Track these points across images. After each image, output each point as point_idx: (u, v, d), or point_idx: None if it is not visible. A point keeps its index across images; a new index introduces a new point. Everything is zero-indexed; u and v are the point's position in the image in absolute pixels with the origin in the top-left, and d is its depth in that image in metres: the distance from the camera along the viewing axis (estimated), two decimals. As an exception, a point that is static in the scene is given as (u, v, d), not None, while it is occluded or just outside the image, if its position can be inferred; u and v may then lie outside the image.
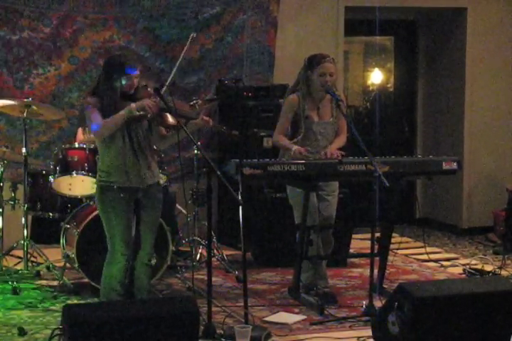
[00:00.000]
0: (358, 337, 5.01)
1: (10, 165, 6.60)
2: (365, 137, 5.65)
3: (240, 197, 4.96)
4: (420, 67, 8.99)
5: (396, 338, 4.47)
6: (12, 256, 6.47)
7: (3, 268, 6.32)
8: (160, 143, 5.34)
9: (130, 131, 5.08)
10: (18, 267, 6.39)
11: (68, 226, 6.11)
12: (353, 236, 7.12)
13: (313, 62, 5.73)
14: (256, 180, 5.49)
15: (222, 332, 4.96)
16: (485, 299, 4.54)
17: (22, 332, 5.07)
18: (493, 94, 8.51)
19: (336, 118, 5.84)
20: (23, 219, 6.27)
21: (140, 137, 5.12)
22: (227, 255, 6.80)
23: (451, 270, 6.85)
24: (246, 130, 7.20)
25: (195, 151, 6.73)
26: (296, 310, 5.63)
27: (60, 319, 4.30)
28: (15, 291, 5.91)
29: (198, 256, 6.74)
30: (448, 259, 7.20)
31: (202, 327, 4.82)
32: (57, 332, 4.24)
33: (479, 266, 6.70)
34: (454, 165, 5.84)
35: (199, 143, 5.86)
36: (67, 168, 6.22)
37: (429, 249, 7.15)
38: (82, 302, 5.66)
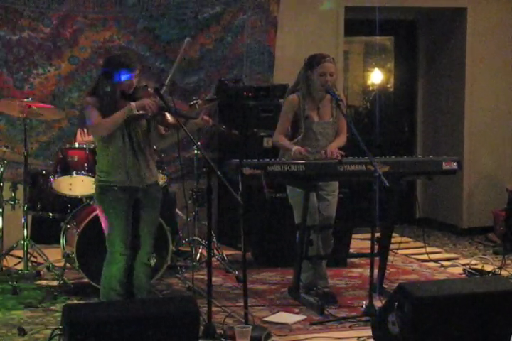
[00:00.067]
0: (358, 337, 5.01)
1: (10, 165, 6.60)
2: (365, 137, 5.65)
3: (239, 197, 4.96)
4: (420, 67, 8.99)
5: (396, 338, 4.47)
6: (12, 256, 6.47)
7: (3, 268, 6.32)
8: (159, 142, 5.34)
9: (130, 131, 5.08)
10: (18, 267, 6.38)
11: (68, 226, 6.12)
12: (353, 236, 7.12)
13: (313, 61, 5.73)
14: (256, 180, 5.49)
15: (222, 332, 4.96)
16: (485, 299, 4.53)
17: (22, 332, 5.07)
18: (493, 94, 8.51)
19: (336, 118, 5.84)
20: (23, 219, 6.27)
21: (139, 137, 5.12)
22: (227, 255, 6.80)
23: (451, 270, 6.85)
24: (246, 130, 7.19)
25: (195, 151, 6.73)
26: (296, 310, 5.63)
27: (60, 319, 4.30)
28: (15, 291, 5.91)
29: (198, 256, 6.74)
30: (448, 259, 7.20)
31: (202, 327, 4.82)
32: (57, 332, 4.25)
33: (479, 266, 6.70)
34: (454, 165, 5.84)
35: (199, 143, 5.86)
36: (67, 168, 6.22)
37: (429, 249, 7.15)
38: (82, 302, 5.66)
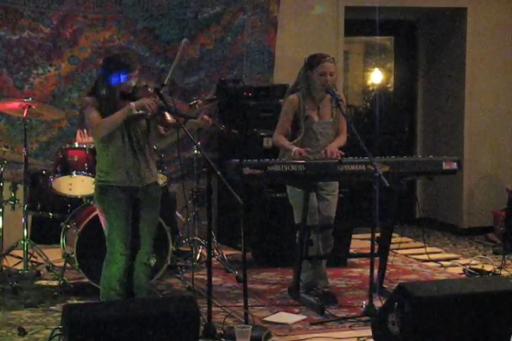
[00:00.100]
0: (358, 337, 5.01)
1: (10, 165, 6.60)
2: (365, 137, 5.65)
3: (239, 197, 4.96)
4: (420, 67, 8.99)
5: (396, 338, 4.47)
6: (12, 256, 6.46)
7: (3, 268, 6.31)
8: (159, 142, 5.34)
9: (129, 131, 5.08)
10: (18, 267, 6.38)
11: (68, 226, 6.12)
12: (353, 236, 7.12)
13: (313, 61, 5.73)
14: (256, 180, 5.49)
15: (222, 332, 4.96)
16: (485, 299, 4.53)
17: (22, 332, 5.07)
18: (493, 94, 8.51)
19: (336, 118, 5.84)
20: (23, 219, 6.26)
21: (139, 136, 5.12)
22: (227, 255, 6.80)
23: (451, 270, 6.85)
24: (246, 130, 7.20)
25: (195, 151, 6.73)
26: (296, 310, 5.62)
27: (60, 319, 4.30)
28: (15, 291, 5.91)
29: (198, 256, 6.74)
30: (448, 259, 7.20)
31: (202, 327, 4.82)
32: (57, 332, 4.25)
33: (479, 266, 6.70)
34: (454, 165, 5.84)
35: (199, 143, 5.86)
36: (67, 168, 6.22)
37: (429, 249, 7.15)
38: (82, 302, 5.65)
